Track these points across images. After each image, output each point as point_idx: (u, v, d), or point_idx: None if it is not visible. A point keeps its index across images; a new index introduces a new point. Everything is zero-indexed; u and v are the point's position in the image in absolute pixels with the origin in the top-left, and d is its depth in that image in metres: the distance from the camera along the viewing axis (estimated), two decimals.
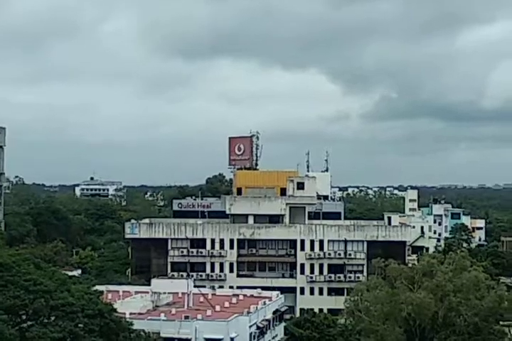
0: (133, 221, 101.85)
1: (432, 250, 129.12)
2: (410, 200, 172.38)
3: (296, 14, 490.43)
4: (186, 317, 61.84)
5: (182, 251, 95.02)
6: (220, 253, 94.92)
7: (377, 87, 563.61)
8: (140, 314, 62.56)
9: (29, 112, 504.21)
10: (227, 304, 68.65)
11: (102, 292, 59.27)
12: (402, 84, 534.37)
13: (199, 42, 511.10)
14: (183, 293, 69.14)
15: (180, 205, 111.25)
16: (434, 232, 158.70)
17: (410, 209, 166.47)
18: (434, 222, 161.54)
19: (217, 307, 66.51)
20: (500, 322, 71.14)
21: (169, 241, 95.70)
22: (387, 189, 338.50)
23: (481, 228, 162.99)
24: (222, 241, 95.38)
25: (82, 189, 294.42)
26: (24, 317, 49.38)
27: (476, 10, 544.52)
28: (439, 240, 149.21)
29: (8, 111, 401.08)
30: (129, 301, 66.97)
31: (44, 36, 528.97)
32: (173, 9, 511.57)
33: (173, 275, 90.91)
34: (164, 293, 69.40)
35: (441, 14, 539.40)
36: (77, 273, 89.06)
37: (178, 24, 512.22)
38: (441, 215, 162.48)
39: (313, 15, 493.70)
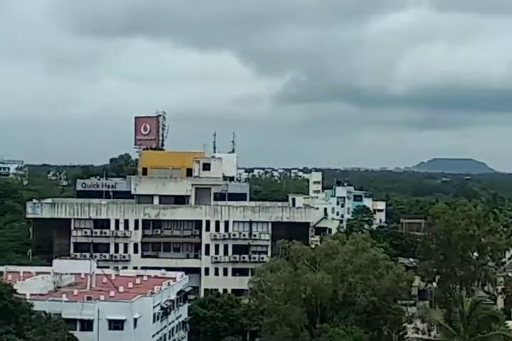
0: (35, 200, 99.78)
1: (334, 231, 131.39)
2: (314, 182, 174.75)
3: None
4: (89, 298, 61.33)
5: (85, 232, 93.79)
6: (125, 233, 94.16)
7: (289, 70, 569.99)
8: (41, 295, 61.66)
9: None
10: (130, 285, 68.38)
11: (1, 273, 58.17)
12: (313, 68, 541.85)
13: (113, 20, 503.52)
14: (85, 274, 68.43)
15: (84, 185, 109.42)
16: (337, 214, 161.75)
17: (314, 191, 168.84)
18: (337, 203, 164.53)
19: (121, 288, 66.17)
20: (398, 301, 73.51)
21: (72, 221, 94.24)
22: (292, 171, 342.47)
23: (381, 210, 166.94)
24: (126, 221, 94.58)
25: None
26: None
27: None
28: (341, 221, 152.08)
29: None
30: (30, 282, 65.86)
31: None
32: None
33: (75, 255, 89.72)
34: (66, 273, 68.50)
35: (354, 1, 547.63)
36: None
37: (92, 1, 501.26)
38: (344, 197, 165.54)
39: None
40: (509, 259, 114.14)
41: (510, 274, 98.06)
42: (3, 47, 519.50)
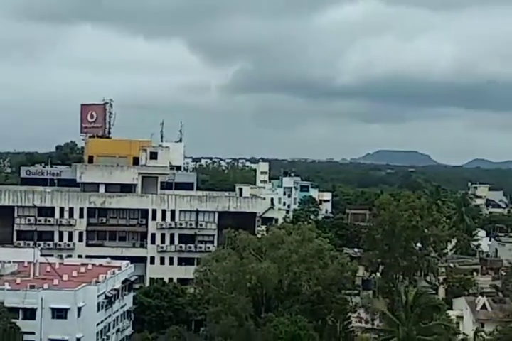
0: None
1: (280, 221, 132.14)
2: (261, 172, 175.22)
3: None
4: (32, 287, 60.67)
5: (29, 220, 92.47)
6: (69, 222, 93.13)
7: (238, 60, 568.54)
8: None
9: None
10: (75, 273, 67.81)
11: None
12: (263, 58, 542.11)
13: (59, 7, 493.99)
14: (29, 262, 67.65)
15: (28, 172, 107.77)
16: (284, 204, 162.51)
17: (261, 181, 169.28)
18: (284, 194, 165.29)
19: (65, 277, 65.58)
20: (342, 291, 74.39)
21: (15, 208, 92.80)
22: (240, 161, 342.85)
23: (327, 201, 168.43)
24: (71, 209, 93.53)
25: None
26: None
27: None
28: (288, 212, 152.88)
29: None
30: None
31: None
32: None
33: (18, 243, 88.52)
34: (9, 262, 67.66)
35: None
36: None
37: None
38: (290, 188, 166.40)
39: None
40: (451, 250, 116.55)
41: (451, 265, 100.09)
42: None
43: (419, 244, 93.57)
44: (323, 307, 68.45)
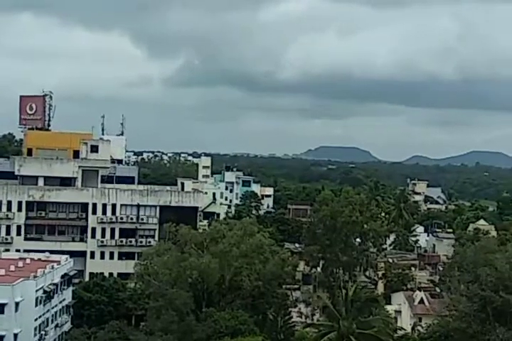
0: None
1: (222, 216, 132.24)
2: (204, 167, 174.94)
3: None
4: None
5: None
6: (7, 215, 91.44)
7: (181, 54, 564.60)
8: None
9: None
10: (12, 268, 66.69)
11: None
12: (205, 52, 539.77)
13: None
14: None
15: None
16: (226, 199, 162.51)
17: (203, 176, 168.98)
18: (226, 188, 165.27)
19: (2, 271, 64.47)
20: (283, 286, 74.83)
21: None
22: (182, 155, 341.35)
23: (269, 196, 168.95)
24: (9, 203, 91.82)
25: None
26: None
27: None
28: (230, 206, 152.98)
29: None
30: None
31: None
32: None
33: None
34: None
35: None
36: None
37: None
38: (232, 182, 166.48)
39: None
40: (390, 245, 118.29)
41: (390, 260, 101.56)
42: None
43: (358, 239, 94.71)
44: (264, 302, 68.78)
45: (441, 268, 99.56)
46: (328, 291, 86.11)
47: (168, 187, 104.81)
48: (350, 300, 58.74)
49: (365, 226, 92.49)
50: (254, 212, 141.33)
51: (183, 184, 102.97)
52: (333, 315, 58.76)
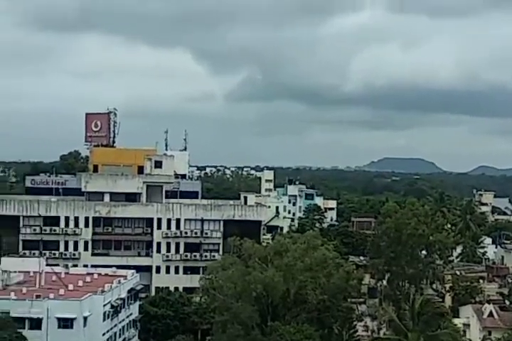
0: None
1: (286, 230, 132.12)
2: (266, 180, 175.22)
3: None
4: (38, 297, 60.57)
5: (34, 229, 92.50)
6: (75, 231, 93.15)
7: (243, 69, 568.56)
8: None
9: None
10: (80, 283, 67.69)
11: None
12: (267, 67, 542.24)
13: (66, 16, 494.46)
14: (34, 272, 67.56)
15: (33, 182, 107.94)
16: (289, 212, 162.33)
17: (266, 190, 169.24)
18: (289, 202, 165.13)
19: (71, 286, 65.46)
20: (348, 299, 74.15)
21: (21, 218, 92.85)
22: (245, 169, 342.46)
23: (332, 208, 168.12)
24: (76, 219, 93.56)
25: None
26: None
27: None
28: (293, 220, 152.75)
29: None
30: None
31: None
32: None
33: (24, 253, 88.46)
34: (15, 271, 67.54)
35: (310, 1, 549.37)
36: None
37: None
38: (295, 196, 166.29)
39: None
40: (457, 258, 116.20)
41: (458, 272, 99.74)
42: None
43: (424, 252, 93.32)
44: (330, 316, 68.25)
45: (510, 281, 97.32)
46: (394, 305, 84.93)
47: (231, 202, 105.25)
48: (417, 313, 57.92)
49: (431, 238, 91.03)
50: (317, 225, 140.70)
51: (246, 198, 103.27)
52: (400, 329, 57.99)
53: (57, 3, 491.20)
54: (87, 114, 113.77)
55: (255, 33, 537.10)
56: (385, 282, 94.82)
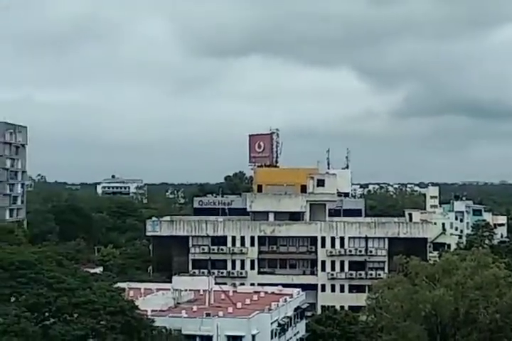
0: (154, 218, 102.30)
1: (453, 247, 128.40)
2: (431, 197, 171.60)
3: (326, 13, 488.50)
4: (208, 315, 62.03)
5: (203, 249, 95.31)
6: (241, 250, 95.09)
7: (404, 85, 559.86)
8: (161, 311, 62.83)
9: (53, 112, 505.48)
10: (248, 301, 68.81)
11: (123, 289, 59.72)
12: (431, 82, 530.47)
13: (229, 41, 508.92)
14: (204, 290, 69.37)
15: (200, 203, 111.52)
16: (456, 229, 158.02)
17: (431, 206, 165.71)
18: (456, 218, 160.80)
19: (239, 305, 66.66)
20: None
21: (190, 238, 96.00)
22: (408, 186, 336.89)
23: (502, 224, 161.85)
24: (243, 238, 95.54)
25: (104, 187, 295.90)
26: (47, 314, 49.85)
27: (508, 9, 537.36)
28: (460, 237, 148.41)
29: (31, 111, 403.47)
30: (151, 298, 67.38)
31: (73, 39, 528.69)
32: (206, 11, 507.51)
33: (194, 272, 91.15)
34: (185, 290, 69.65)
35: (472, 13, 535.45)
36: (98, 270, 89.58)
37: (209, 24, 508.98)
38: (462, 212, 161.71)
39: (342, 14, 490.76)
40: None
41: None
42: (123, 74, 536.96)
43: None
44: (503, 336, 65.42)
45: None
46: None
47: (395, 219, 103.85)
48: None
49: None
50: (486, 241, 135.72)
51: (410, 215, 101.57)
52: None
53: (219, 29, 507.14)
54: (250, 136, 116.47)
55: (417, 48, 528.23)
56: None
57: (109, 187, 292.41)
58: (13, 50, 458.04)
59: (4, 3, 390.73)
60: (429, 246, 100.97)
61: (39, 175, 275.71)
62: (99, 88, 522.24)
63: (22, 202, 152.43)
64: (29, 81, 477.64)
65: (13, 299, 50.81)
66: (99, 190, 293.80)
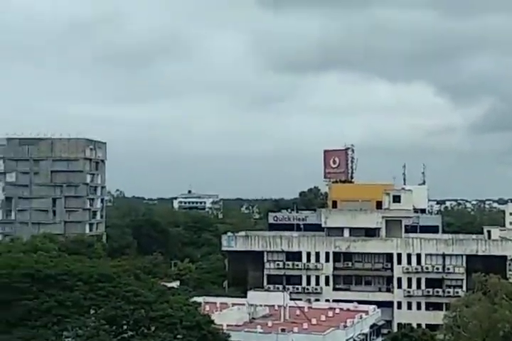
0: (229, 233, 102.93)
1: None
2: (511, 214, 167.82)
3: (402, 28, 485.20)
4: (283, 330, 62.13)
5: (278, 264, 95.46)
6: (316, 266, 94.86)
7: (481, 99, 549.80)
8: (237, 326, 63.23)
9: (131, 128, 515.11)
10: (323, 317, 68.60)
11: (199, 303, 60.39)
12: (507, 96, 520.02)
13: (304, 57, 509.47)
14: (279, 306, 69.50)
15: (275, 218, 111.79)
16: None
17: (511, 223, 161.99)
18: None
19: (314, 321, 66.55)
20: None
21: (265, 253, 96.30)
22: (487, 202, 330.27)
23: None
24: (317, 254, 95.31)
25: (180, 202, 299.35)
26: (125, 327, 50.76)
27: None
28: None
29: (110, 128, 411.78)
30: (226, 313, 67.76)
31: (149, 55, 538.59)
32: (281, 26, 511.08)
33: (269, 287, 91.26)
34: (260, 305, 69.89)
35: None
36: (175, 284, 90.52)
37: (285, 40, 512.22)
38: None
39: (419, 28, 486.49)
40: None
41: None
42: (200, 90, 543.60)
43: None
44: None
45: None
46: None
47: (473, 236, 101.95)
48: None
49: None
50: None
51: (489, 232, 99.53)
52: None
53: (295, 45, 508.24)
54: (325, 151, 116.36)
55: (494, 62, 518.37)
56: None
57: (185, 202, 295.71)
58: (93, 66, 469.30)
59: (87, 21, 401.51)
60: (509, 264, 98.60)
61: (118, 190, 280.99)
62: (176, 103, 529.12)
63: (101, 216, 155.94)
64: (107, 97, 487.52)
65: (92, 311, 51.93)
66: (175, 204, 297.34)
